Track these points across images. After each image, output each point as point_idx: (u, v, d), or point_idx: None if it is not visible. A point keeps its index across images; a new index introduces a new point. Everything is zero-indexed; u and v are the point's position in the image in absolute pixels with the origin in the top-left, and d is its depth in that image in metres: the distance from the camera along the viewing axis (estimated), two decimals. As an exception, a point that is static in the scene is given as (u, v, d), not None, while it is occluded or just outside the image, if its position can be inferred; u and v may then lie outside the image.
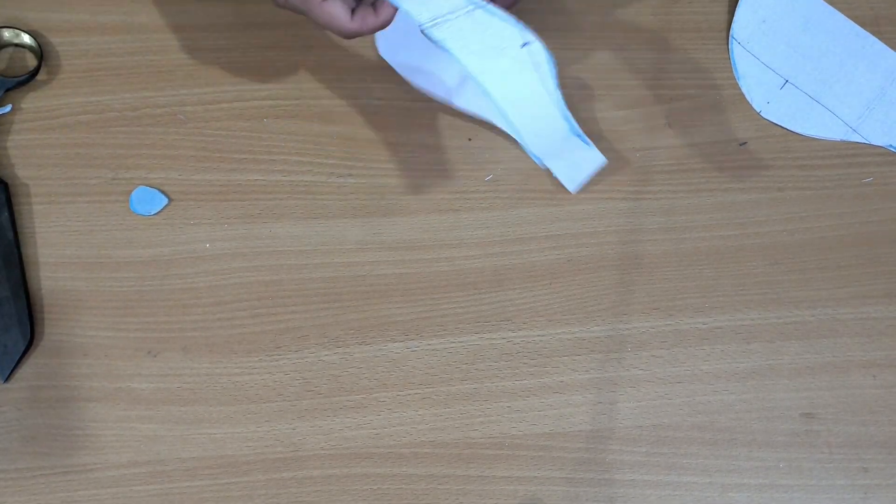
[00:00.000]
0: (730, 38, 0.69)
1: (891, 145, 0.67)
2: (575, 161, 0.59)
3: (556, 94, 0.52)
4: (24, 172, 0.64)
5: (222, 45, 0.67)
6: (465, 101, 0.62)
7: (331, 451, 0.60)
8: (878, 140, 0.67)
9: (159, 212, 0.63)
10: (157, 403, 0.60)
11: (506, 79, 0.52)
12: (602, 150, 0.65)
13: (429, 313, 0.62)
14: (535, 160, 0.55)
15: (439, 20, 0.51)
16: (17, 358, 0.60)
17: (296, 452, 0.60)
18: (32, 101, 0.65)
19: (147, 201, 0.63)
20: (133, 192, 0.63)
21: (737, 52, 0.69)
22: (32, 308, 0.61)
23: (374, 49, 0.66)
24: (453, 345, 0.62)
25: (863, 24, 0.69)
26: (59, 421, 0.60)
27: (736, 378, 0.62)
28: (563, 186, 0.65)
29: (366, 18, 0.52)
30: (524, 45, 0.52)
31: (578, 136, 0.54)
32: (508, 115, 0.52)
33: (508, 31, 0.51)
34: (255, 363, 0.61)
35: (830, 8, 0.69)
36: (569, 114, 0.53)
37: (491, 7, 0.51)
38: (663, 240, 0.64)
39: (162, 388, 0.60)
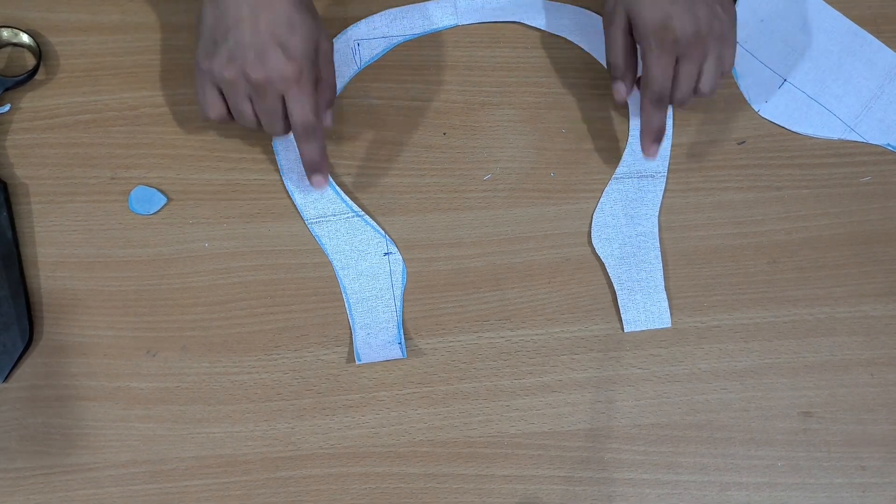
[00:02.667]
0: (728, 37, 0.69)
1: (889, 144, 0.67)
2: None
3: (400, 303, 0.62)
4: (22, 172, 0.64)
5: (221, 45, 0.67)
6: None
7: (329, 449, 0.60)
8: (876, 139, 0.67)
9: (158, 211, 0.63)
10: (156, 403, 0.60)
11: (360, 278, 0.62)
12: (601, 150, 0.66)
13: (428, 312, 0.62)
14: (356, 357, 0.61)
15: (322, 219, 0.63)
16: (16, 357, 0.60)
17: (295, 451, 0.60)
18: (31, 101, 0.65)
19: (146, 201, 0.63)
20: (132, 192, 0.63)
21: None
22: (31, 308, 0.61)
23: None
24: (452, 344, 0.62)
25: (861, 24, 0.69)
26: (58, 420, 0.60)
27: (734, 377, 0.62)
28: (560, 186, 0.65)
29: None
30: (386, 254, 0.62)
31: (400, 343, 0.61)
32: (352, 309, 0.62)
33: (376, 240, 0.62)
34: (253, 362, 0.61)
35: (829, 7, 0.69)
36: (401, 322, 0.61)
37: (367, 218, 0.63)
38: (661, 239, 0.64)
39: (161, 388, 0.60)
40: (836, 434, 0.61)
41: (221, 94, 0.59)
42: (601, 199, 0.65)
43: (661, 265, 0.63)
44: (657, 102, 0.60)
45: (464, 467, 0.60)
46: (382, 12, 0.67)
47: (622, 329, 0.62)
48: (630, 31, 0.61)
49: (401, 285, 0.62)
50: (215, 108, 0.59)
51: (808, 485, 0.60)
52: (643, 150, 0.62)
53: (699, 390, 0.62)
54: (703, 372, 0.62)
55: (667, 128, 0.65)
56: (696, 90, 0.61)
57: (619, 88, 0.62)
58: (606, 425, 0.61)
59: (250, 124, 0.59)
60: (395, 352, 0.61)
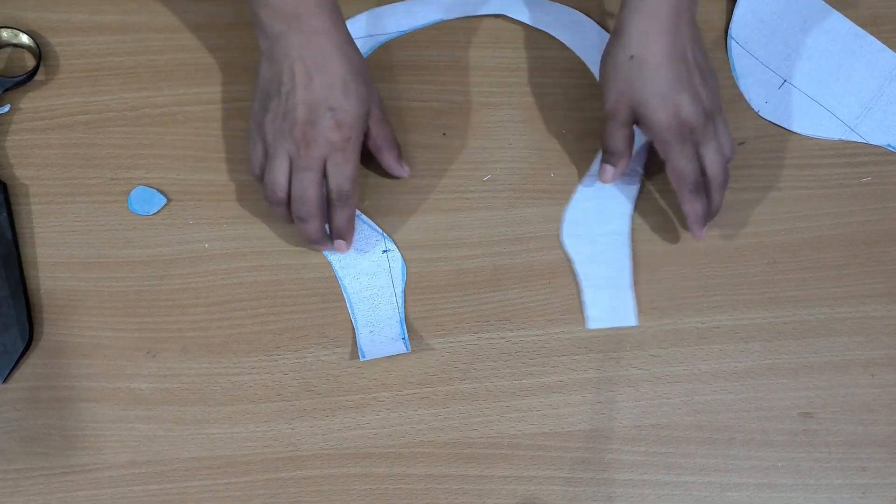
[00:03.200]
0: (728, 37, 0.69)
1: (889, 145, 0.67)
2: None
3: (401, 299, 0.62)
4: (22, 173, 0.64)
5: (221, 45, 0.67)
6: None
7: (329, 450, 0.60)
8: (876, 139, 0.67)
9: (158, 212, 0.63)
10: (156, 403, 0.60)
11: (360, 276, 0.62)
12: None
13: (427, 313, 0.62)
14: (361, 354, 0.60)
15: None
16: (16, 358, 0.60)
17: (295, 452, 0.60)
18: (31, 102, 0.65)
19: (146, 201, 0.63)
20: (132, 192, 0.63)
21: (735, 51, 0.69)
22: (31, 308, 0.61)
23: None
24: (452, 344, 0.62)
25: (861, 24, 0.69)
26: (58, 421, 0.60)
27: (734, 377, 0.62)
28: (560, 187, 0.65)
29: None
30: (385, 251, 0.62)
31: (403, 339, 0.61)
32: (354, 308, 0.62)
33: (374, 238, 0.62)
34: (254, 363, 0.61)
35: (829, 8, 0.69)
36: (403, 318, 0.61)
37: (364, 217, 0.63)
38: (661, 239, 0.64)
39: (161, 389, 0.60)
40: (837, 435, 0.61)
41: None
42: (574, 196, 0.64)
43: (630, 263, 0.63)
44: (696, 191, 0.60)
45: (464, 468, 0.60)
46: (367, 11, 0.67)
47: (586, 326, 0.62)
48: (631, 123, 0.60)
49: (401, 282, 0.62)
50: (258, 165, 0.60)
51: (808, 485, 0.60)
52: (695, 235, 0.62)
53: (699, 391, 0.62)
54: (703, 372, 0.62)
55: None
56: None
57: (608, 171, 0.62)
58: (607, 426, 0.61)
59: (279, 189, 0.58)
60: (399, 347, 0.61)
